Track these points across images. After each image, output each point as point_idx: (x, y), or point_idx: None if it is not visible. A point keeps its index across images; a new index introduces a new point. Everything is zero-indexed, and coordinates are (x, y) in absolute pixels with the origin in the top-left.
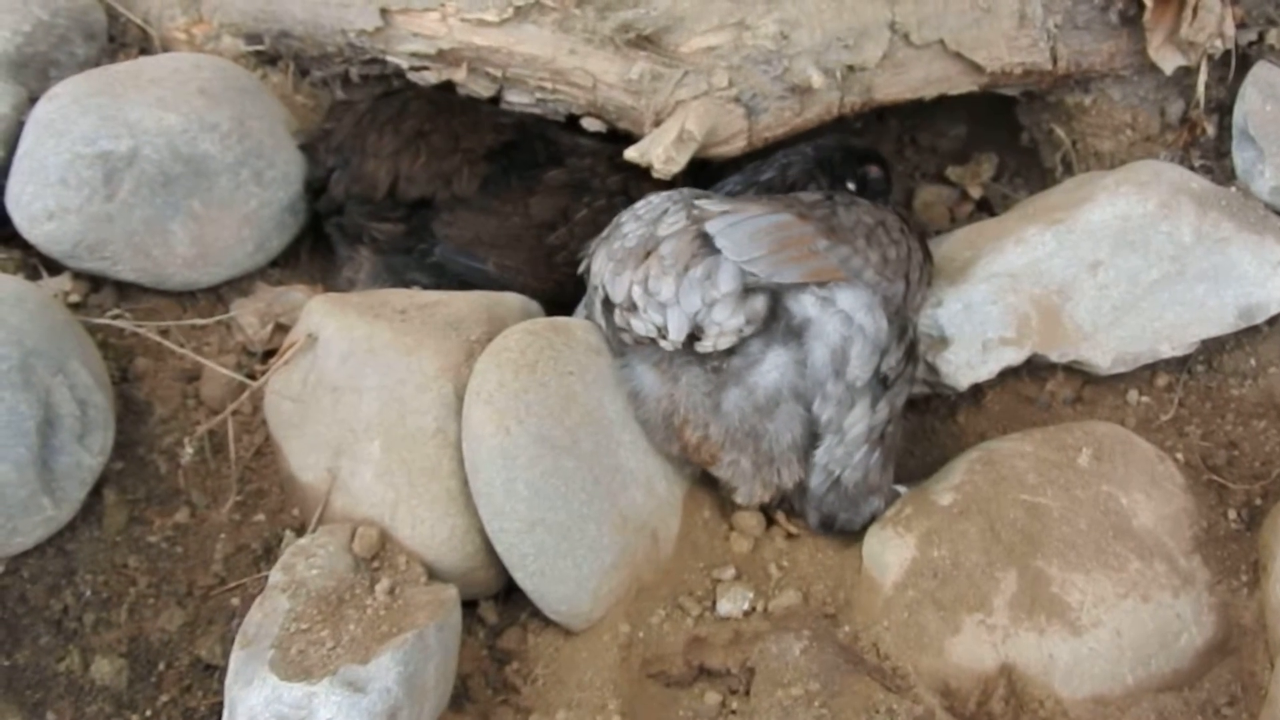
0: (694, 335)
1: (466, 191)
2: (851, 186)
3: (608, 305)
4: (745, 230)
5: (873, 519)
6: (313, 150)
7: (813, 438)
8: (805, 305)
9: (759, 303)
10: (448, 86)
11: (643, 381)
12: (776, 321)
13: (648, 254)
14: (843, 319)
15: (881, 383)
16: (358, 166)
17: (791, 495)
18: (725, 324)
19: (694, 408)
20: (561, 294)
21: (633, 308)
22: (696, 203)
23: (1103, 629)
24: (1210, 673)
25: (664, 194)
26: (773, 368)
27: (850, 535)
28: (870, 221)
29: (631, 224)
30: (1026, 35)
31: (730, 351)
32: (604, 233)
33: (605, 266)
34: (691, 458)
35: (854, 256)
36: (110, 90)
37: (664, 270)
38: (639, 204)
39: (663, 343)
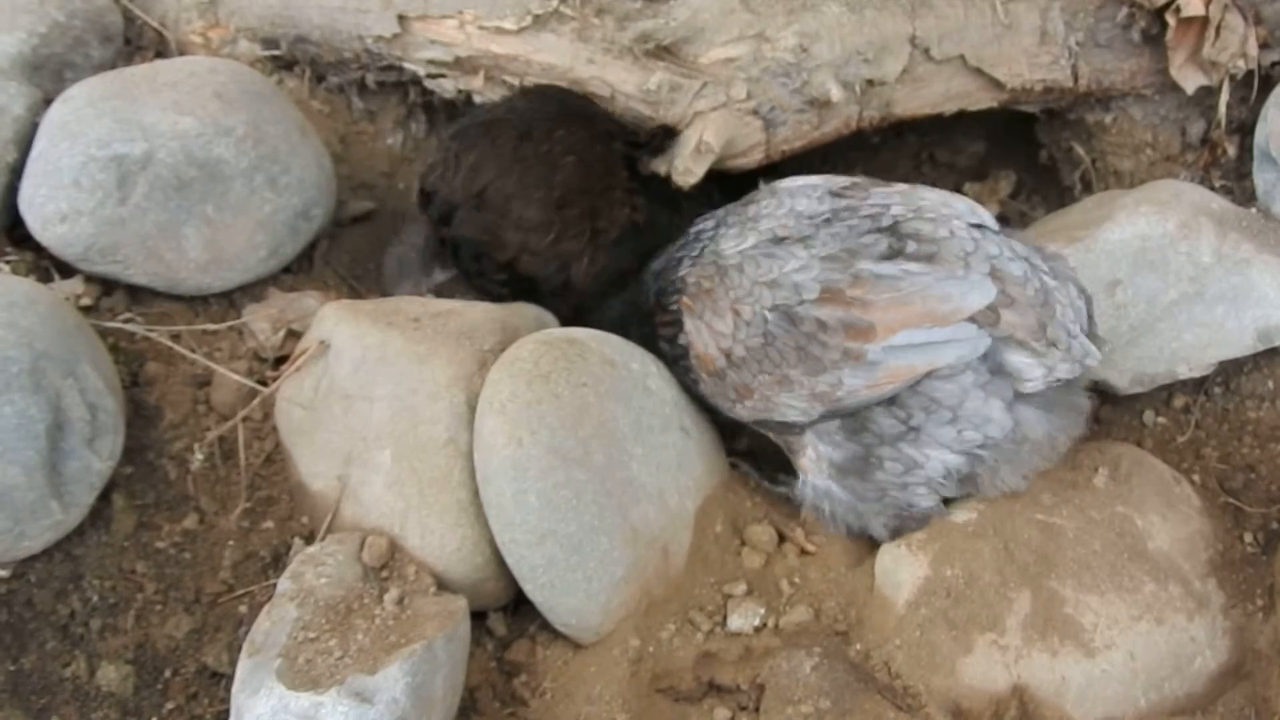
0: None
1: (579, 281)
2: None
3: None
4: None
5: None
6: (443, 181)
7: None
8: None
9: None
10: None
11: None
12: None
13: None
14: None
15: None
16: (495, 226)
17: None
18: None
19: None
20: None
21: None
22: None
23: (1116, 651)
24: (1224, 697)
25: None
26: None
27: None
28: None
29: None
30: (1048, 52)
31: None
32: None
33: None
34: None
35: None
36: (125, 93)
37: None
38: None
39: None
